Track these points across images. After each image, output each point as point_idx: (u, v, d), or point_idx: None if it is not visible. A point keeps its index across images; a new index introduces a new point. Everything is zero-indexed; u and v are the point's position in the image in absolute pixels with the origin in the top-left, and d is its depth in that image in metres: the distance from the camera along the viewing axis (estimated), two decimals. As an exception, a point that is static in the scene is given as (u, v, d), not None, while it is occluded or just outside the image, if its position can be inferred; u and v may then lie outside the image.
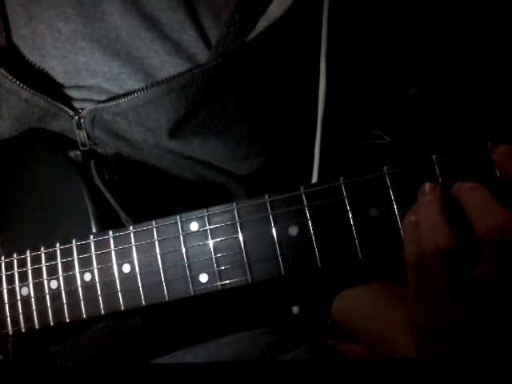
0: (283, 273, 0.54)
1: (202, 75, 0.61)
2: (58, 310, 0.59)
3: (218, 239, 0.55)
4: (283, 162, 0.68)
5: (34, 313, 0.60)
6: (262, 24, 0.61)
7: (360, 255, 0.52)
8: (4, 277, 0.61)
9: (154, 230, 0.57)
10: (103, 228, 0.62)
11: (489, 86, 0.78)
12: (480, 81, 0.78)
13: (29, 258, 0.61)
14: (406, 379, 0.57)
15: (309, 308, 0.75)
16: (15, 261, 0.61)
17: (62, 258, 0.59)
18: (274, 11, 0.61)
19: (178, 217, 0.57)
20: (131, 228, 0.58)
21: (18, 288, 0.61)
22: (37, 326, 0.60)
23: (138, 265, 0.57)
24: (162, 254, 0.57)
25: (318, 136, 0.64)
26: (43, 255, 0.60)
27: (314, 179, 0.63)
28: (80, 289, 0.59)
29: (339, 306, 0.73)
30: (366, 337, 0.71)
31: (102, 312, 0.58)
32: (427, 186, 0.50)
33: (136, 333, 0.64)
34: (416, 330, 0.52)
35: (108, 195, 0.63)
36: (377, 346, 0.68)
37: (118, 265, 0.58)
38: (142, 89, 0.62)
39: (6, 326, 0.61)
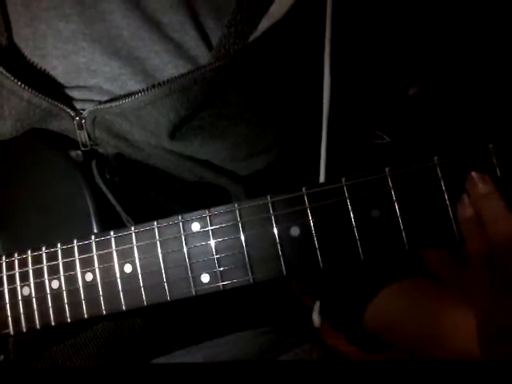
0: (285, 273, 0.54)
1: (203, 76, 0.61)
2: (59, 310, 0.59)
3: (220, 240, 0.56)
4: (285, 162, 0.68)
5: (35, 313, 0.60)
6: (264, 24, 0.61)
7: (362, 256, 0.52)
8: (5, 277, 0.61)
9: (156, 230, 0.57)
10: (104, 228, 0.61)
11: (490, 87, 0.78)
12: (481, 81, 0.78)
13: (30, 258, 0.60)
14: (406, 379, 0.57)
15: (334, 318, 0.73)
16: (16, 261, 0.61)
17: (63, 258, 0.59)
18: (276, 11, 0.61)
19: (180, 217, 0.57)
20: (133, 228, 0.58)
21: (19, 288, 0.61)
22: (38, 326, 0.60)
23: (140, 265, 0.57)
24: (163, 255, 0.57)
25: (324, 136, 0.63)
26: (44, 255, 0.60)
27: (322, 179, 0.63)
28: (81, 289, 0.59)
29: (373, 314, 0.69)
30: (409, 342, 0.66)
31: (104, 312, 0.58)
32: (477, 176, 0.49)
33: (137, 333, 0.64)
34: (487, 330, 0.52)
35: (109, 195, 0.63)
36: (426, 349, 0.63)
37: (119, 265, 0.58)
38: (143, 90, 0.62)
39: (7, 325, 0.61)
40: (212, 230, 0.56)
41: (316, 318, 0.70)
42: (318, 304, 0.69)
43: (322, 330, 0.79)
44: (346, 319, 0.72)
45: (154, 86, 0.62)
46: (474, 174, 0.49)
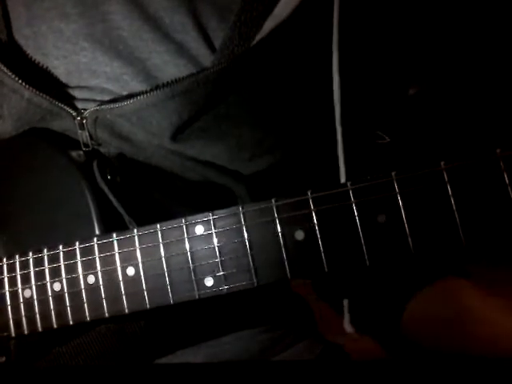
0: (289, 277, 0.54)
1: (207, 79, 0.60)
2: (61, 313, 0.59)
3: (224, 243, 0.55)
4: (288, 162, 0.68)
5: (37, 315, 0.60)
6: (269, 25, 0.60)
7: (367, 262, 0.52)
8: (6, 279, 0.61)
9: (159, 232, 0.57)
10: (106, 229, 0.61)
11: (490, 86, 0.78)
12: (482, 81, 0.78)
13: (31, 260, 0.60)
14: (406, 379, 0.57)
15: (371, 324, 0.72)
16: (17, 263, 0.60)
17: (65, 260, 0.59)
18: (282, 11, 0.60)
19: (183, 220, 0.56)
20: (135, 231, 0.57)
21: (20, 290, 0.60)
22: (40, 329, 0.59)
23: (143, 268, 0.57)
24: (166, 257, 0.56)
25: (340, 137, 0.63)
26: (46, 257, 0.59)
27: (342, 179, 0.63)
28: (83, 291, 0.58)
29: (412, 317, 0.68)
30: (444, 344, 0.65)
31: (106, 315, 0.58)
32: None
33: (139, 333, 0.63)
34: None
35: (111, 196, 0.62)
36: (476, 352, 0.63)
37: (122, 267, 0.57)
38: (146, 92, 0.62)
39: (9, 328, 0.60)
40: (216, 232, 0.55)
41: (347, 325, 0.69)
42: (347, 313, 0.69)
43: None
44: (382, 323, 0.71)
45: (156, 88, 0.61)
46: None
